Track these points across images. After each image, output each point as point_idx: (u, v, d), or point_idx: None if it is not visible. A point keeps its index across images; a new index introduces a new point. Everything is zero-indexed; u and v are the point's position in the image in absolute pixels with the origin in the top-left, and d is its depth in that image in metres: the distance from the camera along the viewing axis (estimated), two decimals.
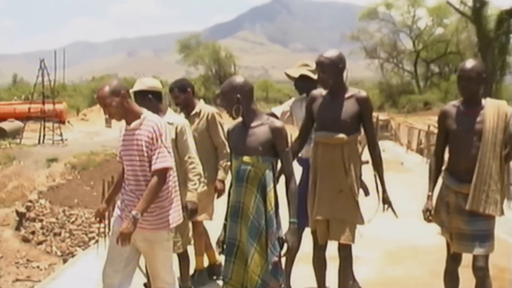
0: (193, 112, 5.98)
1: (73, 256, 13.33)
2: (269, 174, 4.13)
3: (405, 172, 15.48)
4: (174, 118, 5.27)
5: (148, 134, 4.24)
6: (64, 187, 19.08)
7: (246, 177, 4.13)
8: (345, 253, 4.88)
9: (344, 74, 4.86)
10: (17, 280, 13.95)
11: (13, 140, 28.77)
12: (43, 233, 16.33)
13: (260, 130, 4.15)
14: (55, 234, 16.20)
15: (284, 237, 4.14)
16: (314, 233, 4.98)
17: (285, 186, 4.22)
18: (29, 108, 30.22)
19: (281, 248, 4.15)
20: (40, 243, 16.03)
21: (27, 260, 15.20)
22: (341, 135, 4.71)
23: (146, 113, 4.37)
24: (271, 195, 4.10)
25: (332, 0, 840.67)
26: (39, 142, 27.90)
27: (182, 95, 5.99)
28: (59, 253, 15.28)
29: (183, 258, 5.57)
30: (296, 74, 5.69)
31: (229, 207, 4.30)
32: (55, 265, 14.11)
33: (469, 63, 4.52)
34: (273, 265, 4.07)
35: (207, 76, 68.15)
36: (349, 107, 4.74)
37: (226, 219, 4.33)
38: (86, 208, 16.72)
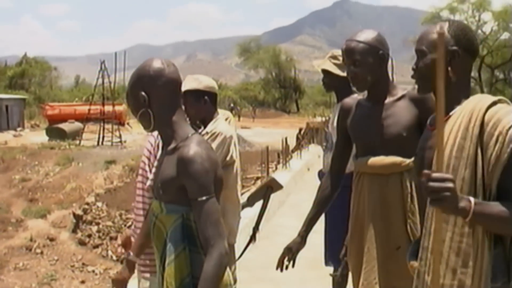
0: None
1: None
2: (174, 234, 2.40)
3: None
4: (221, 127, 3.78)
5: None
6: (121, 190, 18.97)
7: (154, 236, 2.55)
8: None
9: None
10: None
11: (73, 141, 29.05)
12: (99, 237, 16.22)
13: (169, 160, 2.46)
14: (111, 238, 16.06)
15: None
16: None
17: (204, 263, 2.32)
18: (89, 110, 30.49)
19: None
20: (96, 246, 15.91)
21: (83, 263, 15.08)
22: (397, 159, 3.07)
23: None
24: (170, 270, 2.37)
25: (393, 5, 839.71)
26: (98, 144, 28.14)
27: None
28: (114, 258, 15.13)
29: None
30: (319, 67, 4.29)
31: None
32: (110, 269, 13.93)
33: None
34: None
35: (267, 80, 68.37)
36: (402, 114, 3.05)
37: None
38: None
